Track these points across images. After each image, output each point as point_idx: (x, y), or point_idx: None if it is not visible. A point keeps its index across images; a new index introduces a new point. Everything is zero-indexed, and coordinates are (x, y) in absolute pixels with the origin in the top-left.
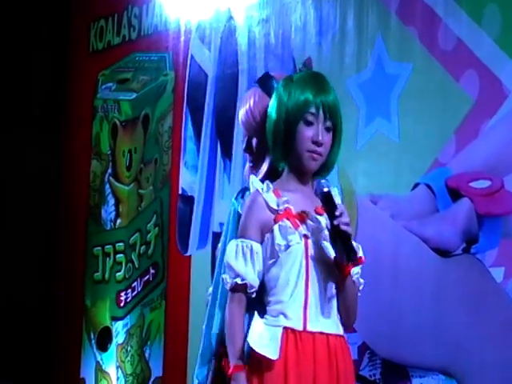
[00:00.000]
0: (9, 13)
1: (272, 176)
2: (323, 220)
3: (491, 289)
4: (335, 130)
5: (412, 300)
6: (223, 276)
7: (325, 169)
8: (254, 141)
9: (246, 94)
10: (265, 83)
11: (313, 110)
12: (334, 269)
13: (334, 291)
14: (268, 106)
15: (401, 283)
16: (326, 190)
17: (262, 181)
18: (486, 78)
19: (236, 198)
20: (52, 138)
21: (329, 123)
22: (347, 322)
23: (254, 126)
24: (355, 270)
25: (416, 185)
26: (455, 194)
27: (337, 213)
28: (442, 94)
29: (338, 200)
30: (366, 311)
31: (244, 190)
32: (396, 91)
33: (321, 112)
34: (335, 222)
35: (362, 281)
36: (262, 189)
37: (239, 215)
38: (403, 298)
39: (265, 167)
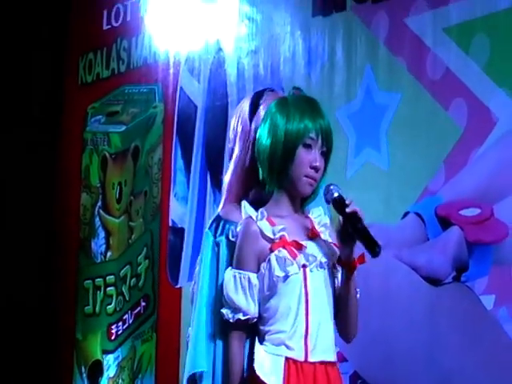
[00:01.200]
0: (9, 13)
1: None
2: (318, 246)
3: (482, 317)
4: (328, 155)
5: (403, 329)
6: (223, 311)
7: (313, 194)
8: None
9: (242, 102)
10: (257, 98)
11: (313, 134)
12: (331, 296)
13: (332, 318)
14: (246, 121)
15: (392, 312)
16: (336, 194)
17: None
18: (474, 107)
19: (210, 228)
20: (52, 138)
21: (324, 148)
22: (350, 333)
23: (235, 136)
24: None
25: (406, 214)
26: (445, 223)
27: (347, 202)
28: (431, 122)
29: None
30: (357, 340)
31: (218, 219)
32: (385, 121)
33: (319, 138)
34: (347, 210)
35: (357, 289)
36: (257, 216)
37: (217, 245)
38: (394, 327)
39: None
